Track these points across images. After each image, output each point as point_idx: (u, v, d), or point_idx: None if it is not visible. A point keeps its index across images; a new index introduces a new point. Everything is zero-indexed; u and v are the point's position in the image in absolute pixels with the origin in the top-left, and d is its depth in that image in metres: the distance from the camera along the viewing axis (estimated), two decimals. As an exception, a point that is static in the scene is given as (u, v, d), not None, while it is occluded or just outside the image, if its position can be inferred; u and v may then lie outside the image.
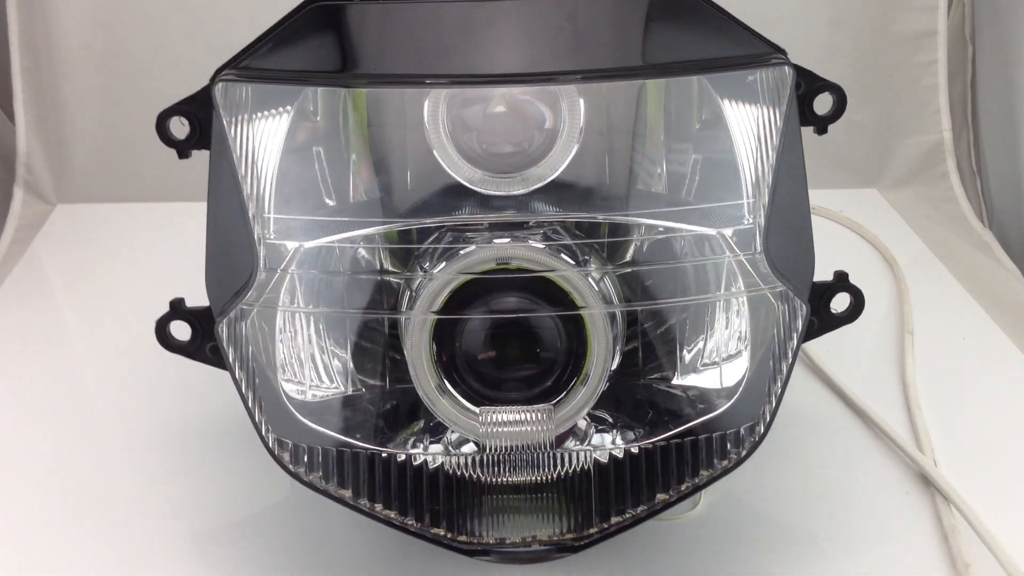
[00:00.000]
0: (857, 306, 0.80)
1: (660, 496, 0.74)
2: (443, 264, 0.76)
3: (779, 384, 0.75)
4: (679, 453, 0.74)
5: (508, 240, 0.76)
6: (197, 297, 0.78)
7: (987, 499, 0.84)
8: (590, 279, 0.75)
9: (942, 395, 0.99)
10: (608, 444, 0.75)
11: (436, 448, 0.76)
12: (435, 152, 0.78)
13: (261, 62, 0.75)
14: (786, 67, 0.74)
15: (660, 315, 0.81)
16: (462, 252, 0.75)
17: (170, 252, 1.23)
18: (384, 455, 0.74)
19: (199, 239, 0.76)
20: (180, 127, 0.78)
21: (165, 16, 1.41)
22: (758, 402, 0.75)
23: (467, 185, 0.79)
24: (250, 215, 0.75)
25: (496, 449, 0.73)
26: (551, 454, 0.74)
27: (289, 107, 0.77)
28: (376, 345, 0.81)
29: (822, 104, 0.78)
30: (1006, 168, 1.35)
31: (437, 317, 0.75)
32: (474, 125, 0.79)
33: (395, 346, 0.81)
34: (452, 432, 0.78)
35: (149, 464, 0.91)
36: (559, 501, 0.74)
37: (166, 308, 0.79)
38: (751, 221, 0.76)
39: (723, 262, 0.77)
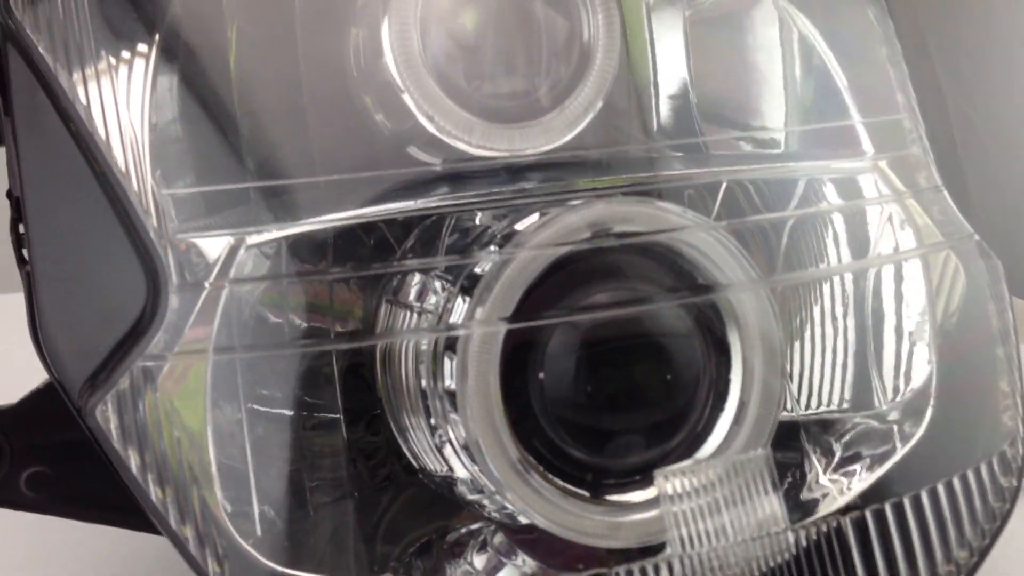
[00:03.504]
0: None
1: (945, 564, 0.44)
2: (492, 249, 0.44)
3: (1018, 379, 0.49)
4: (933, 501, 0.45)
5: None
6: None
7: None
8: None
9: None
10: (841, 497, 0.45)
11: None
12: (406, 97, 0.47)
13: None
14: None
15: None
16: (521, 228, 0.44)
17: None
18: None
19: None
20: None
21: None
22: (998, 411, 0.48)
23: (456, 145, 0.47)
24: (132, 193, 0.40)
25: (696, 543, 0.41)
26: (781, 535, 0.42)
27: (151, 35, 0.43)
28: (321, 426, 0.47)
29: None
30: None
31: (513, 327, 0.42)
32: (462, 50, 0.48)
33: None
34: (479, 551, 0.46)
35: None
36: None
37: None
38: (914, 140, 0.51)
39: (882, 210, 0.51)
